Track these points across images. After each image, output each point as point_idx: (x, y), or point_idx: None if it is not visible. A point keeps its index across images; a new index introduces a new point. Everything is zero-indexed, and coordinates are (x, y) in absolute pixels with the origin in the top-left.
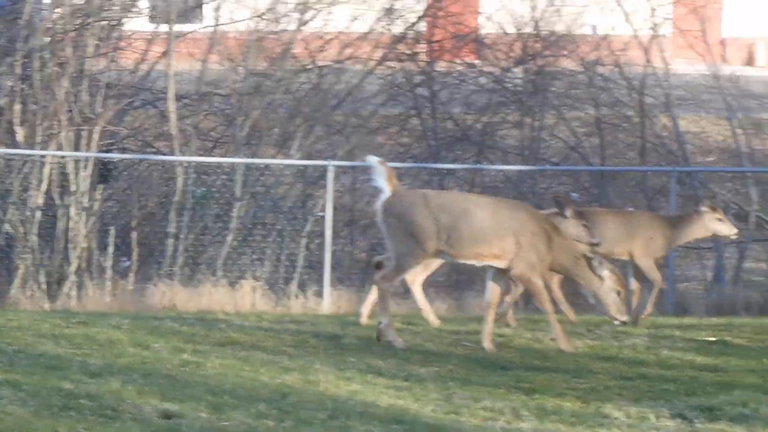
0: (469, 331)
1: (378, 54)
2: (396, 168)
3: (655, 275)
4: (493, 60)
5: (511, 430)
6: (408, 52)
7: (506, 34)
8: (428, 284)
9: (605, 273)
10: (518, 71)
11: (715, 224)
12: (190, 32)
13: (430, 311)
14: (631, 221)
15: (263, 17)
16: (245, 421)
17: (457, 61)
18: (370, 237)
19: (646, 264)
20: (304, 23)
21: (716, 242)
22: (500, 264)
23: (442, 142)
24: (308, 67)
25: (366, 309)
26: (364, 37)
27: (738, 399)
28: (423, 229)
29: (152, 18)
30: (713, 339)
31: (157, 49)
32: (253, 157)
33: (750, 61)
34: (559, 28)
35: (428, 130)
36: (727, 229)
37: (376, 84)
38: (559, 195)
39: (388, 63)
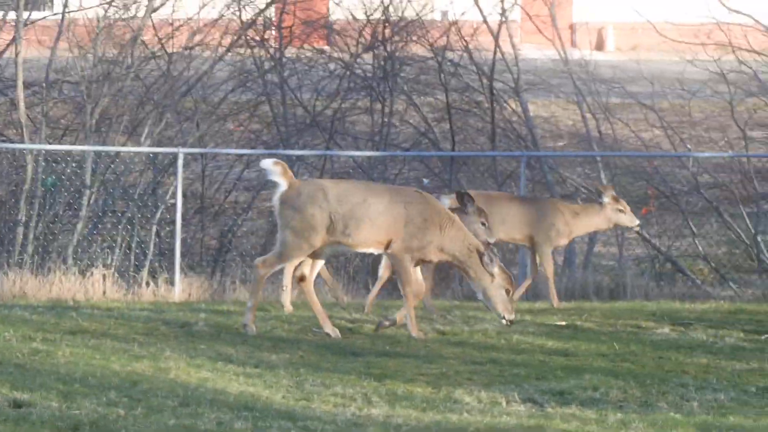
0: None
1: (227, 40)
2: (246, 155)
3: (548, 265)
4: (342, 46)
5: (362, 417)
6: (257, 38)
7: (356, 20)
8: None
9: (496, 270)
10: (368, 57)
11: (617, 215)
12: (39, 19)
13: (288, 297)
14: (534, 207)
15: (112, 4)
16: (96, 409)
17: (307, 47)
18: (221, 224)
19: (544, 252)
20: (154, 10)
21: None
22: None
23: (293, 128)
24: (158, 54)
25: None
26: (213, 23)
27: (588, 383)
28: (316, 222)
29: (0, 5)
30: (564, 323)
31: (5, 36)
32: (103, 144)
33: (600, 46)
34: (409, 13)
35: (278, 116)
36: (628, 220)
37: (226, 70)
38: (462, 191)
39: (238, 49)
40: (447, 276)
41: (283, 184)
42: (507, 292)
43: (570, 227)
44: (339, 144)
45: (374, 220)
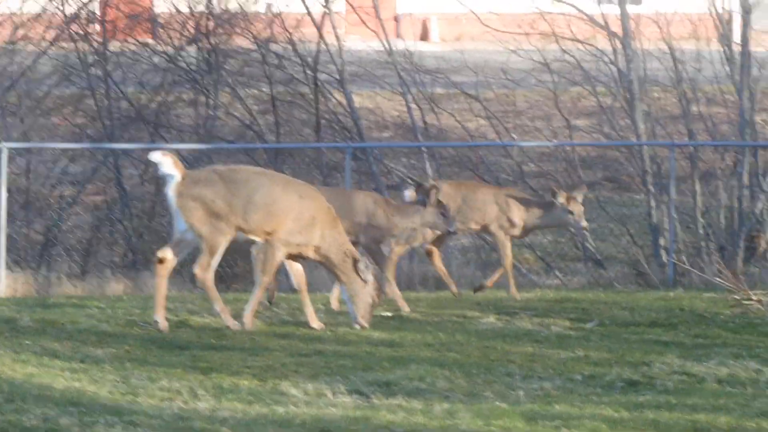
0: (147, 310)
1: (51, 34)
2: (71, 149)
3: (506, 255)
4: (167, 39)
5: (188, 410)
6: (81, 32)
7: (179, 12)
8: (105, 265)
9: (369, 278)
10: (192, 50)
11: (566, 216)
12: None
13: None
14: (497, 197)
15: None
16: None
17: (131, 40)
18: (47, 218)
19: (502, 240)
20: None
21: None
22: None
23: (118, 121)
24: None
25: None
26: (36, 17)
27: (414, 373)
28: (223, 204)
29: None
30: (390, 314)
31: None
32: None
33: (424, 37)
34: (232, 6)
35: (103, 110)
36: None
37: (50, 65)
38: (428, 183)
39: (62, 43)
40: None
41: (176, 175)
42: (373, 300)
43: (526, 222)
44: (164, 137)
45: (268, 207)
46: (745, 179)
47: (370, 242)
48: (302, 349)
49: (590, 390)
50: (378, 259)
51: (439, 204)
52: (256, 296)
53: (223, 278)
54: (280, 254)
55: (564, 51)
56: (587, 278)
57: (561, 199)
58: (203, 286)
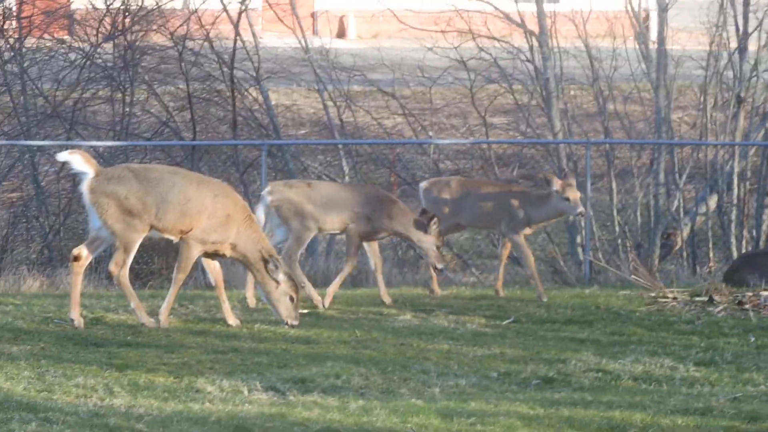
0: (63, 308)
1: None
2: None
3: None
4: (83, 36)
5: (103, 407)
6: None
7: (96, 9)
8: (21, 262)
9: (281, 277)
10: (108, 47)
11: (563, 203)
12: None
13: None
14: (501, 194)
15: None
16: None
17: (48, 36)
18: None
19: (517, 239)
20: None
21: None
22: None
23: (33, 118)
24: None
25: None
26: None
27: (330, 370)
28: (137, 202)
29: None
30: (306, 311)
31: None
32: None
33: (341, 34)
34: (149, 2)
35: (19, 106)
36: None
37: None
38: (427, 214)
39: None
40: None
41: (89, 172)
42: (291, 298)
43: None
44: (81, 134)
45: (182, 206)
46: (661, 177)
47: (363, 234)
48: (218, 346)
49: (505, 387)
50: (352, 251)
51: (439, 235)
52: (172, 293)
53: (139, 275)
54: (195, 252)
55: (480, 49)
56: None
57: (556, 186)
58: (118, 283)
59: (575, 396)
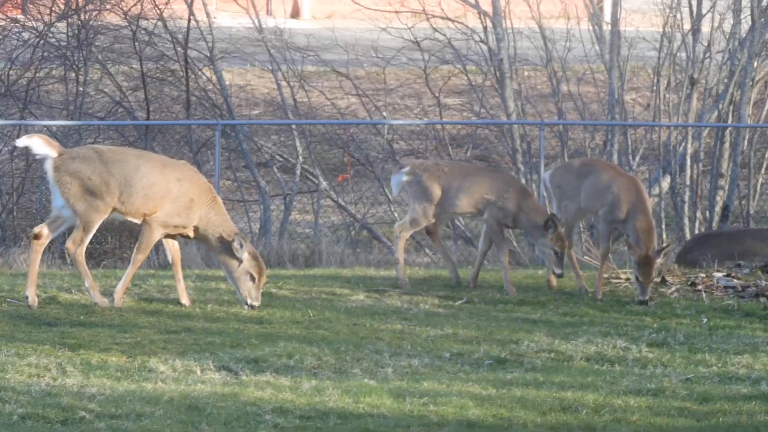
0: (16, 287)
1: None
2: None
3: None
4: (36, 15)
5: (56, 387)
6: None
7: None
8: None
9: (245, 256)
10: (62, 26)
11: None
12: None
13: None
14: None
15: None
16: None
17: (0, 15)
18: None
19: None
20: None
21: (262, 194)
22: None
23: None
24: None
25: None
26: None
27: (283, 350)
28: (101, 183)
29: None
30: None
31: None
32: None
33: (295, 14)
34: None
35: None
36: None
37: None
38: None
39: None
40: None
41: (51, 153)
42: (253, 278)
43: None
44: (34, 113)
45: (146, 190)
46: (615, 158)
47: (492, 221)
48: (171, 326)
49: (458, 367)
50: (496, 239)
51: (558, 239)
52: (129, 274)
53: (92, 255)
54: (157, 234)
55: (435, 29)
56: (457, 256)
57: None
58: (74, 261)
59: (528, 376)
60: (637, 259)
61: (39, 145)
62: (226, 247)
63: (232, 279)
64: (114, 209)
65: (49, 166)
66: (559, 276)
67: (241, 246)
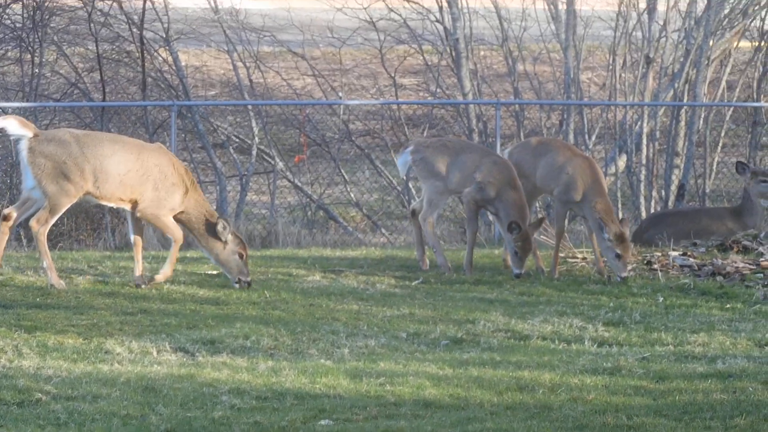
0: None
1: None
2: None
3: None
4: None
5: (12, 369)
6: None
7: None
8: None
9: (230, 237)
10: (17, 7)
11: None
12: None
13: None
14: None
15: None
16: None
17: None
18: None
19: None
20: None
21: (218, 175)
22: (130, 208)
23: None
24: None
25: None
26: None
27: (239, 331)
28: (74, 167)
29: None
30: (215, 272)
31: None
32: None
33: None
34: None
35: None
36: None
37: None
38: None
39: None
40: (99, 227)
41: (27, 133)
42: (241, 256)
43: None
44: None
45: (122, 176)
46: (571, 138)
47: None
48: (127, 307)
49: (415, 347)
50: (468, 216)
51: (522, 240)
52: (173, 254)
53: (48, 236)
54: (165, 218)
55: (390, 9)
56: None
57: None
58: (36, 240)
59: (484, 356)
60: (614, 237)
61: (14, 126)
62: (209, 229)
63: (218, 261)
64: (88, 193)
65: (23, 147)
66: (516, 276)
67: (225, 228)
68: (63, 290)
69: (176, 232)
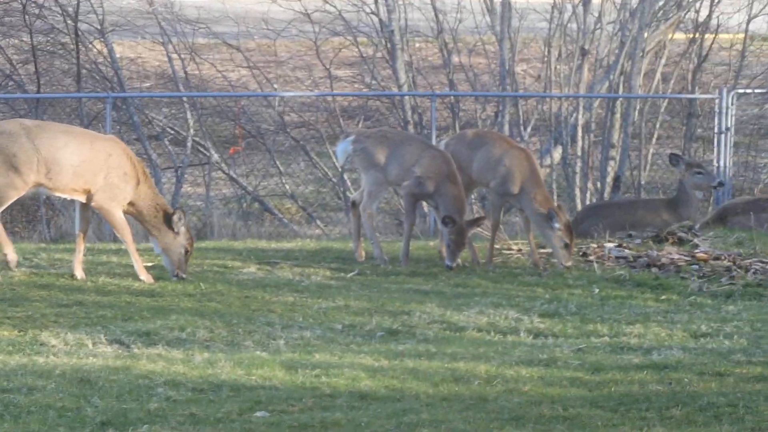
0: None
1: None
2: None
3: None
4: None
5: None
6: None
7: None
8: None
9: (182, 229)
10: None
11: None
12: None
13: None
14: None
15: None
16: None
17: None
18: None
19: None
20: None
21: (154, 167)
22: (83, 199)
23: None
24: None
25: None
26: None
27: (175, 323)
28: (24, 160)
29: None
30: (150, 264)
31: None
32: None
33: None
34: None
35: None
36: None
37: None
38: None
39: None
40: (34, 218)
41: None
42: (186, 251)
43: None
44: None
45: (75, 167)
46: (506, 129)
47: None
48: (62, 299)
49: (350, 339)
50: (406, 209)
51: (456, 233)
52: (133, 254)
53: None
54: (116, 211)
55: (325, 1)
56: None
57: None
58: None
59: (420, 348)
60: (562, 226)
61: None
62: (161, 219)
63: (165, 251)
64: (40, 185)
65: None
66: (448, 269)
67: (180, 219)
68: None
69: (126, 233)
